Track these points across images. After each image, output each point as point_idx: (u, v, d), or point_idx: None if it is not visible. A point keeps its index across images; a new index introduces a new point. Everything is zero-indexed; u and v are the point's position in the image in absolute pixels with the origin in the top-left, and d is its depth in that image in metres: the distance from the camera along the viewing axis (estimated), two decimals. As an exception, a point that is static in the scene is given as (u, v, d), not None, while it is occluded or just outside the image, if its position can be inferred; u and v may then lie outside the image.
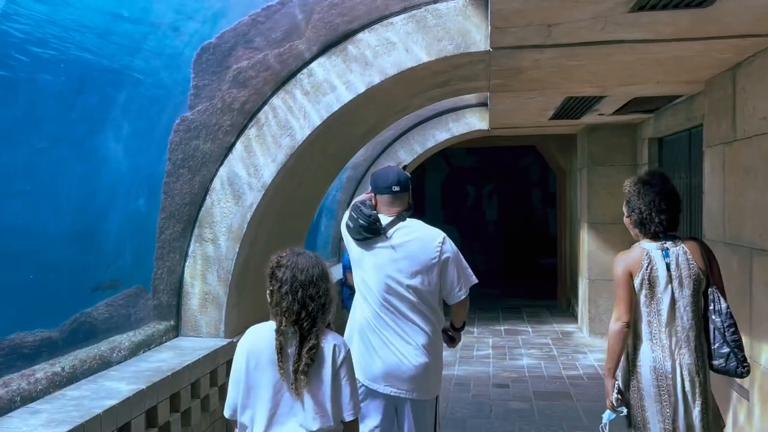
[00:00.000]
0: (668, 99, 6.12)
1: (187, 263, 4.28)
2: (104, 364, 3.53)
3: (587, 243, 8.46)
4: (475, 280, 3.21)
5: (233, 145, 4.21)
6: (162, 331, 4.16)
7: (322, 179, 5.21)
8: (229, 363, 4.21)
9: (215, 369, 4.00)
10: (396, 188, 3.17)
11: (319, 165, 4.92)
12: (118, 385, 3.20)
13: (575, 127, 8.58)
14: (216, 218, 4.24)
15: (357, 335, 3.18)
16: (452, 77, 4.63)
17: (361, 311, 3.19)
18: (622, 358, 3.05)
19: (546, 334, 8.85)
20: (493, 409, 5.79)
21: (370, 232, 3.08)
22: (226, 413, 2.34)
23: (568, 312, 10.47)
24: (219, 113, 4.09)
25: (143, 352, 3.90)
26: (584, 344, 8.25)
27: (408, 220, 3.19)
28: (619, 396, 3.01)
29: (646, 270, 2.97)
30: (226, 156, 4.22)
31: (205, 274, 4.26)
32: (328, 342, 2.28)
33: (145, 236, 4.19)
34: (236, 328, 4.38)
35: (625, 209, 3.12)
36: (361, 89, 4.07)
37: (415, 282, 3.06)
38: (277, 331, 2.25)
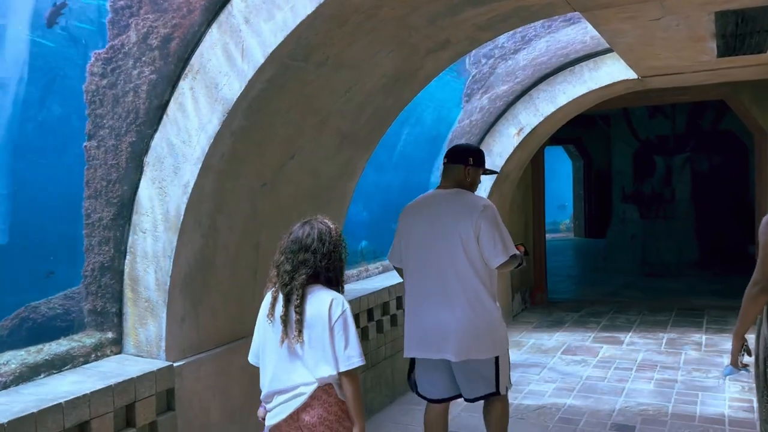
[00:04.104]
0: None
1: (126, 260, 3.32)
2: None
3: (786, 228, 6.06)
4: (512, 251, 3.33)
5: (167, 102, 3.13)
6: (90, 346, 3.24)
7: (335, 150, 3.93)
8: (169, 392, 3.21)
9: (132, 403, 2.97)
10: (444, 160, 3.50)
11: (316, 128, 3.64)
12: None
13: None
14: (153, 202, 3.21)
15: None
16: (484, -15, 3.07)
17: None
18: (764, 328, 2.88)
19: (723, 351, 6.60)
20: (596, 466, 4.10)
21: None
22: (250, 359, 2.64)
23: (770, 318, 7.90)
24: (136, 52, 3.04)
25: (44, 376, 3.01)
26: (778, 368, 5.92)
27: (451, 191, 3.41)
28: (743, 358, 3.02)
29: None
30: (160, 118, 3.17)
31: (144, 274, 3.27)
32: (324, 298, 2.45)
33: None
34: (192, 346, 3.34)
35: None
36: (309, 9, 2.73)
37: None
38: (273, 292, 2.53)
